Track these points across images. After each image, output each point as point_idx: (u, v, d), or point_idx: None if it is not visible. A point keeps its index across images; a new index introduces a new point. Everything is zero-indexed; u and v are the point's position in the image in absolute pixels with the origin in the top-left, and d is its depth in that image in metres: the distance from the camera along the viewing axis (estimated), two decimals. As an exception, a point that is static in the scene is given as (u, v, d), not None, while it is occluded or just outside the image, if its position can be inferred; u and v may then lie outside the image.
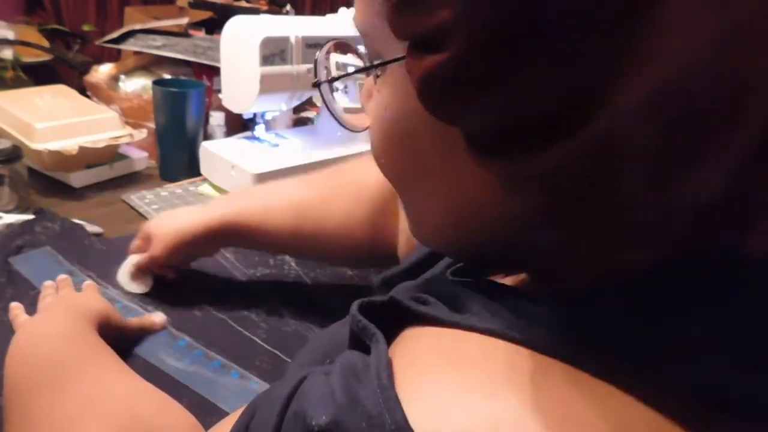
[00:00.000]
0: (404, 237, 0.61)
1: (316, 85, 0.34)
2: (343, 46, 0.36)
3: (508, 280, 0.32)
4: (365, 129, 0.34)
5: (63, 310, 0.56)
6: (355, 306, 0.31)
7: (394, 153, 0.30)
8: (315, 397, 0.24)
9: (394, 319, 0.29)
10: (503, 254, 0.30)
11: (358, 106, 0.34)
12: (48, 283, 0.64)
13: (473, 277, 0.31)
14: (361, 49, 0.33)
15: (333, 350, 0.34)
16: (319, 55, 0.34)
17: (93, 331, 0.54)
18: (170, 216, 0.70)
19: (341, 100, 0.35)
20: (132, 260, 0.70)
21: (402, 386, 0.23)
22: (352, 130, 0.36)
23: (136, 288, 0.69)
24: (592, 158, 0.21)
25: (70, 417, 0.42)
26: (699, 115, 0.20)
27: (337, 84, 0.35)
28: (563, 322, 0.24)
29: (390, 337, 0.28)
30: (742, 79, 0.20)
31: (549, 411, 0.21)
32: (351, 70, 0.32)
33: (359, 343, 0.29)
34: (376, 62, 0.29)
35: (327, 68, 0.35)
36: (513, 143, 0.22)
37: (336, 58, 0.36)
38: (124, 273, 0.70)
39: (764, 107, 0.20)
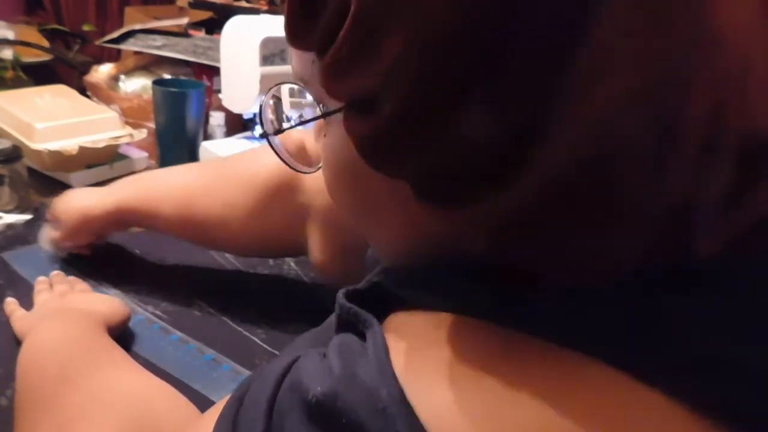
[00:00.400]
0: (317, 245, 0.62)
1: (263, 136, 0.35)
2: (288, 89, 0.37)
3: None
4: (317, 169, 0.35)
5: (74, 313, 0.56)
6: (341, 294, 0.31)
7: (346, 191, 0.32)
8: (312, 371, 0.24)
9: (380, 303, 0.29)
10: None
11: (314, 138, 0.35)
12: (41, 278, 0.65)
13: None
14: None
15: (326, 340, 0.34)
16: (263, 102, 0.35)
17: (103, 332, 0.54)
18: (72, 197, 0.71)
19: (296, 133, 0.36)
20: (45, 235, 0.72)
21: (398, 364, 0.23)
22: (303, 172, 0.37)
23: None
24: (535, 200, 0.21)
25: (77, 411, 0.42)
26: (632, 150, 0.20)
27: (292, 113, 0.35)
28: (543, 308, 0.24)
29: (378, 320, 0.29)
30: (673, 112, 0.20)
31: (543, 388, 0.22)
32: (310, 98, 0.33)
33: (350, 329, 0.29)
34: (317, 113, 0.30)
35: (270, 117, 0.35)
36: (455, 191, 0.23)
37: (289, 85, 0.36)
38: (44, 235, 0.72)
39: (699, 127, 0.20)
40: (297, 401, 0.24)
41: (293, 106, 0.35)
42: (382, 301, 0.29)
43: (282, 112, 0.35)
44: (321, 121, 0.31)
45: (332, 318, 0.41)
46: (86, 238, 0.72)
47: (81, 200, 0.69)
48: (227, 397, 0.29)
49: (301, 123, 0.32)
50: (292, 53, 0.30)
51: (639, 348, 0.22)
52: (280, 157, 0.36)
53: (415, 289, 0.29)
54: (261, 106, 0.34)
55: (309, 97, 0.31)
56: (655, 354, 0.22)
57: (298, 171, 0.37)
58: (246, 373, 0.58)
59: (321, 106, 0.30)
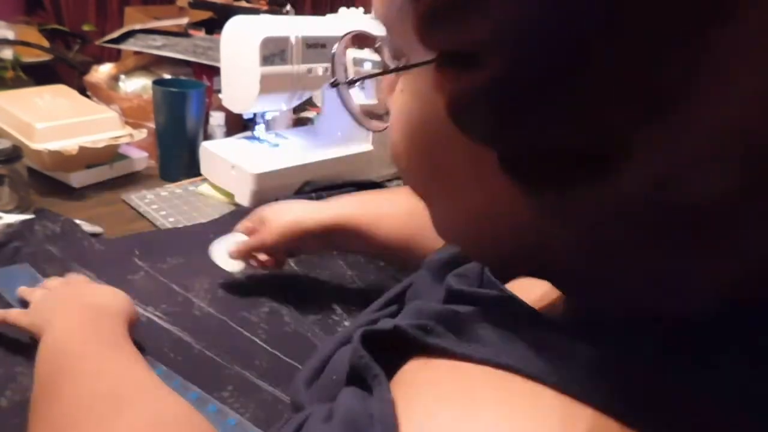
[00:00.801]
0: None
1: (335, 85, 0.32)
2: (360, 38, 0.34)
3: (533, 296, 0.30)
4: (385, 128, 0.31)
5: (96, 311, 0.54)
6: (357, 336, 0.29)
7: (417, 159, 0.27)
8: None
9: (400, 348, 0.27)
10: (530, 266, 0.28)
11: (375, 102, 0.33)
12: (23, 288, 0.62)
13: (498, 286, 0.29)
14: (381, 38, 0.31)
15: (339, 370, 0.32)
16: (336, 49, 0.32)
17: (124, 329, 0.53)
18: (286, 206, 0.70)
19: (357, 96, 0.33)
20: (237, 238, 0.70)
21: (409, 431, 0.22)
22: (371, 130, 0.34)
23: (230, 266, 0.70)
24: (638, 195, 0.19)
25: (101, 413, 0.41)
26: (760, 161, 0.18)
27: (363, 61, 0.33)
28: (593, 359, 0.22)
29: (395, 366, 0.27)
30: None
31: None
32: (369, 66, 0.30)
33: (360, 377, 0.27)
34: (399, 64, 0.26)
35: (344, 64, 0.33)
36: (550, 169, 0.20)
37: (353, 53, 0.34)
38: (221, 249, 0.70)
39: None
40: None
41: (356, 63, 0.33)
42: (406, 342, 0.27)
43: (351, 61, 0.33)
44: (392, 77, 0.28)
45: (339, 342, 0.39)
46: (289, 249, 0.69)
47: (294, 210, 0.68)
48: None
49: (379, 74, 0.29)
50: None
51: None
52: (346, 107, 0.33)
53: (435, 333, 0.26)
54: (334, 54, 0.31)
55: (375, 56, 0.28)
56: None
57: (366, 127, 0.34)
58: (232, 415, 0.54)
59: (402, 58, 0.26)
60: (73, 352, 0.47)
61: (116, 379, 0.44)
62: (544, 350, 0.23)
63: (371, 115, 0.34)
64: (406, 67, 0.25)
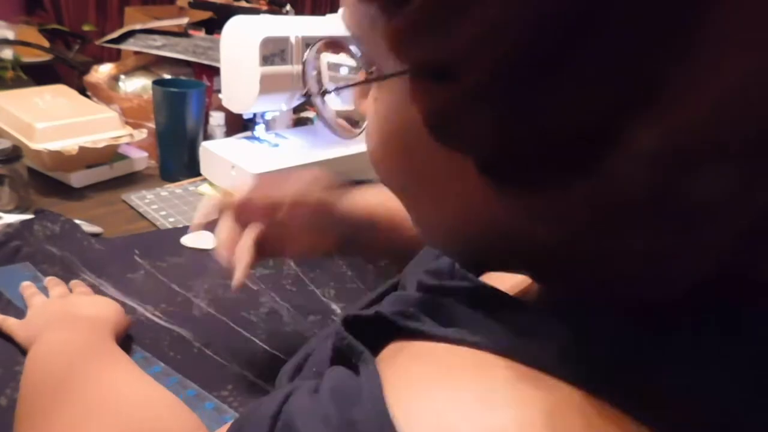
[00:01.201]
0: None
1: (307, 95, 0.32)
2: (334, 44, 0.34)
3: (506, 286, 0.31)
4: (360, 134, 0.32)
5: (82, 321, 0.56)
6: (339, 321, 0.29)
7: (394, 162, 0.28)
8: (306, 419, 0.23)
9: (381, 333, 0.28)
10: (508, 261, 0.28)
11: (351, 108, 0.33)
12: (26, 283, 0.65)
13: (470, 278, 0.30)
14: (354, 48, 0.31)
15: (319, 361, 0.32)
16: (308, 54, 0.32)
17: (112, 340, 0.54)
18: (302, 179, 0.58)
19: (334, 102, 0.33)
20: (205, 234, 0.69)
21: (396, 407, 0.22)
22: (344, 137, 0.34)
23: (202, 243, 0.73)
24: (608, 196, 0.20)
25: (84, 416, 0.42)
26: (727, 156, 0.18)
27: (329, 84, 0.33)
28: (561, 335, 0.23)
29: (375, 352, 0.27)
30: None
31: (544, 425, 0.20)
32: (345, 71, 0.30)
33: (344, 359, 0.28)
34: (371, 76, 0.26)
35: (317, 70, 0.33)
36: (527, 172, 0.21)
37: (327, 57, 0.34)
38: (191, 236, 0.72)
39: None
40: None
41: (330, 68, 0.33)
42: (387, 328, 0.28)
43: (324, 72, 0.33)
44: (366, 85, 0.28)
45: (325, 335, 0.40)
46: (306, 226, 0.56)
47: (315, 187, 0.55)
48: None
49: (350, 85, 0.29)
50: (344, 3, 0.26)
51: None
52: (323, 119, 0.33)
53: (415, 319, 0.27)
54: (304, 64, 0.32)
55: (350, 61, 0.28)
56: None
57: (339, 135, 0.34)
58: (229, 413, 0.54)
59: (373, 67, 0.26)
60: (57, 364, 0.48)
61: (94, 391, 0.45)
62: (518, 329, 0.24)
63: (349, 120, 0.34)
64: (378, 78, 0.26)
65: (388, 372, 0.24)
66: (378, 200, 0.56)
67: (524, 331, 0.24)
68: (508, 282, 0.31)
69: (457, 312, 0.26)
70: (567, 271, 0.25)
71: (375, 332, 0.28)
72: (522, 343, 0.23)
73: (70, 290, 0.65)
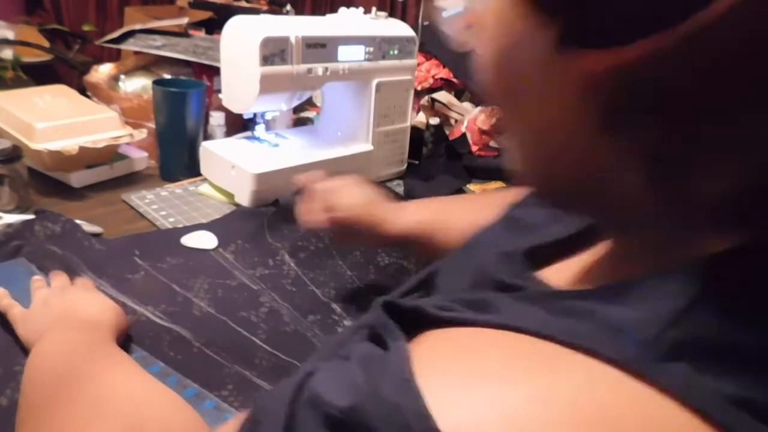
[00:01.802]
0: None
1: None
2: None
3: (566, 277, 0.31)
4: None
5: (82, 322, 0.56)
6: (379, 302, 0.30)
7: (504, 91, 0.29)
8: (334, 383, 0.24)
9: (417, 326, 0.28)
10: (590, 204, 0.29)
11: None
12: (36, 276, 0.65)
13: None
14: None
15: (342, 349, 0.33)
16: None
17: (112, 341, 0.54)
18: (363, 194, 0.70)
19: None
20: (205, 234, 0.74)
21: (422, 378, 0.23)
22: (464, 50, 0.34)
23: (204, 243, 0.76)
24: (684, 60, 0.20)
25: (78, 421, 0.42)
26: None
27: None
28: (602, 315, 0.23)
29: (409, 338, 0.28)
30: None
31: (569, 400, 0.21)
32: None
33: (375, 339, 0.28)
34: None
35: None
36: (606, 33, 0.22)
37: None
38: (192, 236, 0.77)
39: None
40: (317, 416, 0.23)
41: None
42: (423, 320, 0.28)
43: None
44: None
45: (351, 330, 0.41)
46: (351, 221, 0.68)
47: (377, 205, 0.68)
48: (236, 417, 0.28)
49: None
50: None
51: None
52: (446, 29, 0.34)
53: (452, 311, 0.28)
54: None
55: None
56: None
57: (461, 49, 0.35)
58: (230, 411, 0.54)
59: None
60: (58, 364, 0.48)
61: (95, 390, 0.45)
62: (553, 311, 0.24)
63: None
64: None
65: (417, 349, 0.25)
66: (417, 218, 0.66)
67: (559, 312, 0.24)
68: (566, 275, 0.32)
69: (496, 303, 0.27)
70: (640, 223, 0.26)
71: (411, 323, 0.28)
72: (555, 322, 0.24)
73: None
